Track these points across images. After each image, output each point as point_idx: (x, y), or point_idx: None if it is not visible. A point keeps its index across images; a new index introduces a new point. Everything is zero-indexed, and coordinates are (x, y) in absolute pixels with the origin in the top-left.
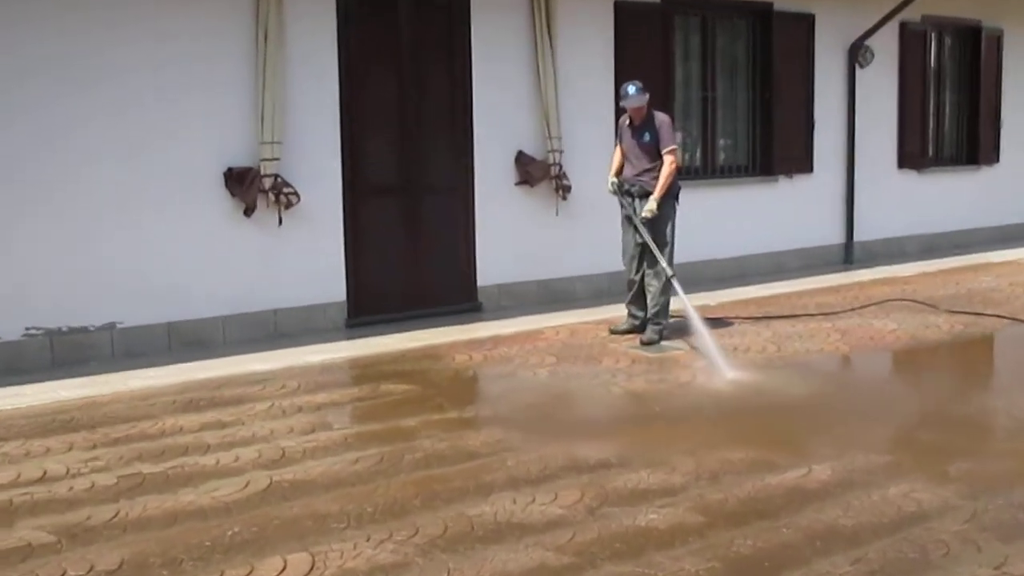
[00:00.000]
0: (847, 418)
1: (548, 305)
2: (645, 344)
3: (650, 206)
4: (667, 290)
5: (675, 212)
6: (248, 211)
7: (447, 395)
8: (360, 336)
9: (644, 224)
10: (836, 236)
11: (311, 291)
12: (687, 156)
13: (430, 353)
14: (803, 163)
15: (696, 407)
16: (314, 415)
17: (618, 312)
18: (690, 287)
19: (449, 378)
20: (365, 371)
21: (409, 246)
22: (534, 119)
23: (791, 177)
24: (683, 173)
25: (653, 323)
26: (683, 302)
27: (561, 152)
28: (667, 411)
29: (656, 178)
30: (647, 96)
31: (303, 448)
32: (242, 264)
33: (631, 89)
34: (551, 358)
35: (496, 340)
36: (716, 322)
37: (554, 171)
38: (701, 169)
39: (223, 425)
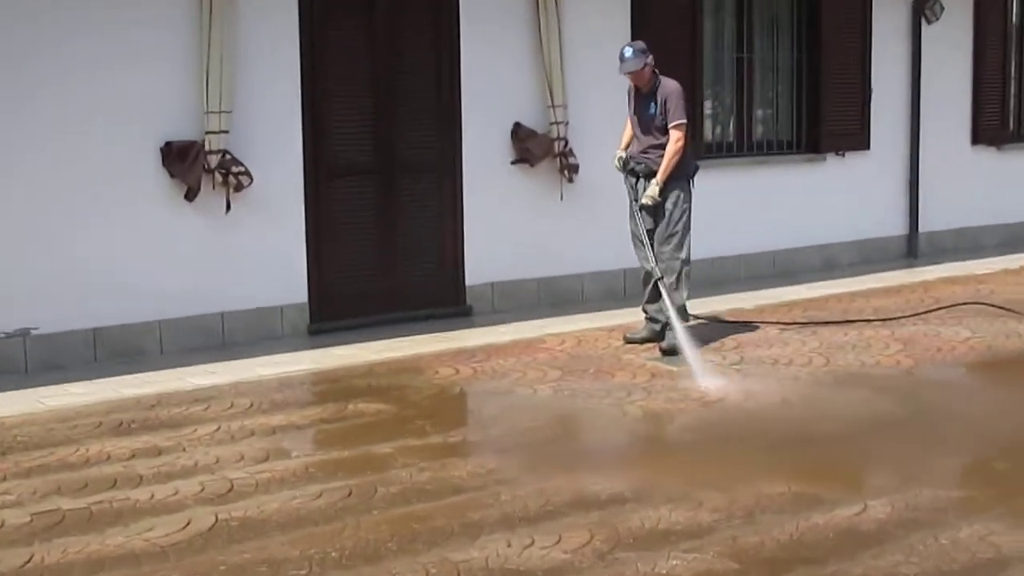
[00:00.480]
0: (909, 445)
1: (551, 308)
2: (665, 353)
3: (651, 191)
4: (682, 285)
5: (689, 197)
6: (190, 194)
7: (429, 416)
8: (325, 345)
9: (646, 211)
10: (897, 226)
11: (266, 291)
12: (717, 130)
13: (409, 366)
14: (857, 138)
15: (728, 431)
16: (269, 440)
17: (635, 316)
18: (721, 288)
19: (431, 396)
20: (330, 387)
21: (384, 237)
22: (534, 85)
23: (842, 155)
24: (713, 150)
25: (670, 325)
26: (665, 303)
27: (567, 124)
28: (692, 435)
29: (682, 165)
30: (648, 59)
31: (255, 480)
32: (183, 258)
33: (627, 52)
34: (554, 372)
35: (488, 350)
36: (746, 328)
37: (558, 147)
38: (734, 145)
39: (159, 452)
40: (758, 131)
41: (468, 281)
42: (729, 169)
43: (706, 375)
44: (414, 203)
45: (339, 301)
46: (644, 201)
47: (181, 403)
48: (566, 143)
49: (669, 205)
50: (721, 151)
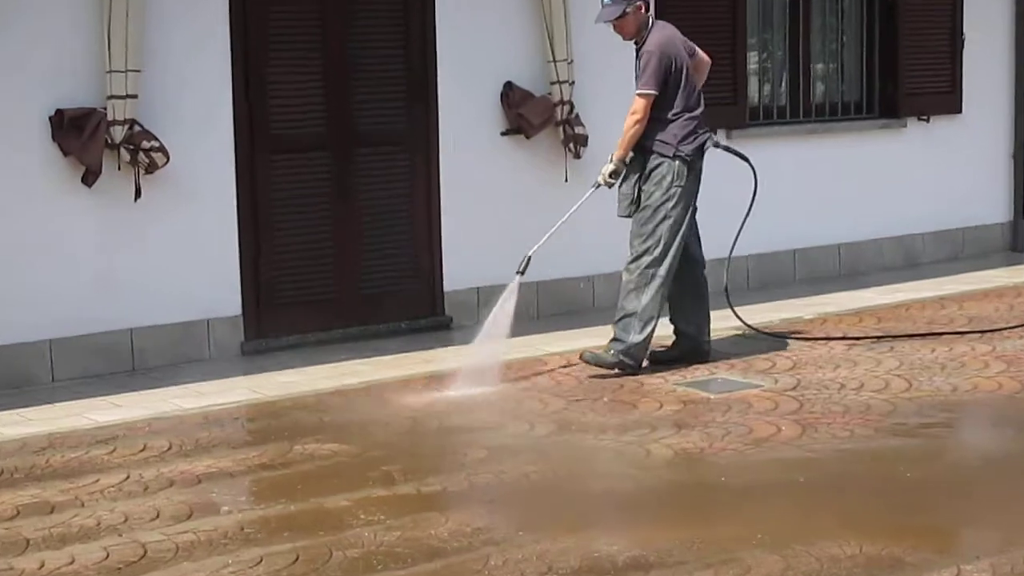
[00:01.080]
0: (1015, 493)
1: (553, 320)
2: (587, 361)
3: (604, 169)
4: (645, 291)
5: (684, 183)
6: (89, 177)
7: (398, 460)
8: (264, 369)
9: (619, 205)
10: (998, 211)
11: (188, 300)
12: (765, 90)
13: (372, 395)
14: (946, 100)
15: (782, 476)
16: (193, 492)
17: (663, 329)
18: (772, 292)
19: (401, 434)
20: (272, 423)
21: (339, 231)
22: (531, 35)
23: (927, 120)
24: (760, 116)
25: (614, 338)
26: (507, 297)
27: (572, 84)
28: (737, 481)
29: (653, 131)
30: (630, 6)
31: (176, 543)
32: (80, 260)
33: None
34: (557, 402)
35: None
36: (804, 344)
37: (561, 113)
38: (788, 109)
39: (51, 508)
40: (818, 91)
41: (447, 286)
42: (780, 140)
43: (474, 382)
44: (377, 187)
45: (282, 313)
46: (597, 179)
47: (79, 445)
48: (571, 108)
49: (650, 186)
50: (770, 117)
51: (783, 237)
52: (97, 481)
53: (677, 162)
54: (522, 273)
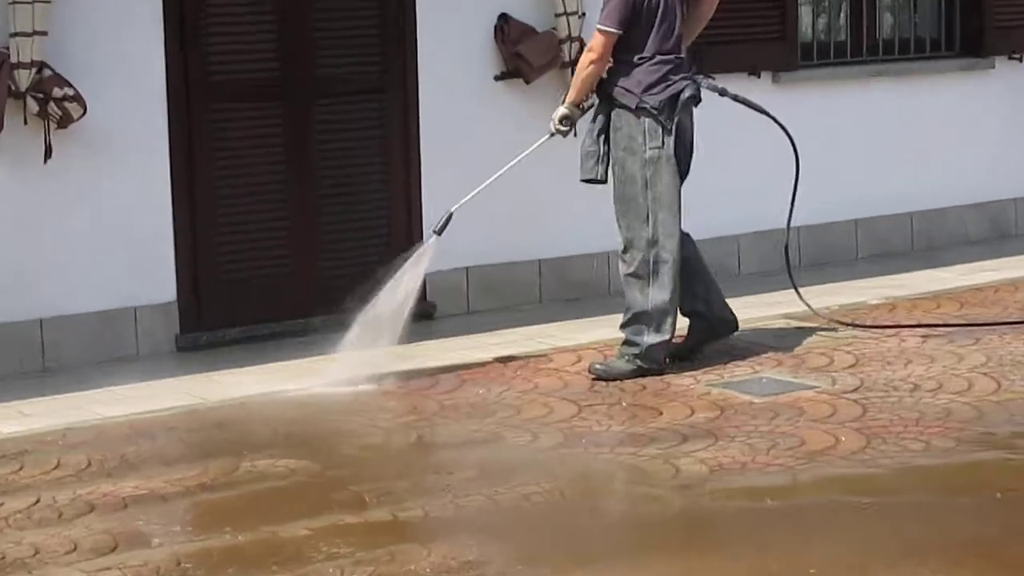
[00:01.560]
0: None
1: (560, 307)
2: (598, 376)
3: (555, 114)
4: (655, 281)
5: (662, 139)
6: None
7: (369, 479)
8: (203, 368)
9: (583, 165)
10: None
11: (110, 284)
12: (820, 23)
13: (338, 400)
14: None
15: (841, 497)
16: (117, 519)
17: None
18: (828, 271)
19: (373, 448)
20: (213, 435)
21: (296, 200)
22: None
23: (1020, 60)
24: (813, 55)
25: (625, 341)
26: (416, 260)
27: (582, 17)
28: (784, 505)
29: (616, 76)
30: None
31: None
32: None
33: None
34: (566, 407)
35: (461, 374)
36: (867, 335)
37: (569, 52)
38: (848, 46)
39: None
40: (885, 24)
41: (429, 266)
42: (839, 85)
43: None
44: (342, 145)
45: (226, 299)
46: (550, 127)
47: None
48: (581, 46)
49: (619, 151)
50: (826, 56)
51: (842, 204)
52: (0, 506)
53: (645, 119)
54: (439, 233)
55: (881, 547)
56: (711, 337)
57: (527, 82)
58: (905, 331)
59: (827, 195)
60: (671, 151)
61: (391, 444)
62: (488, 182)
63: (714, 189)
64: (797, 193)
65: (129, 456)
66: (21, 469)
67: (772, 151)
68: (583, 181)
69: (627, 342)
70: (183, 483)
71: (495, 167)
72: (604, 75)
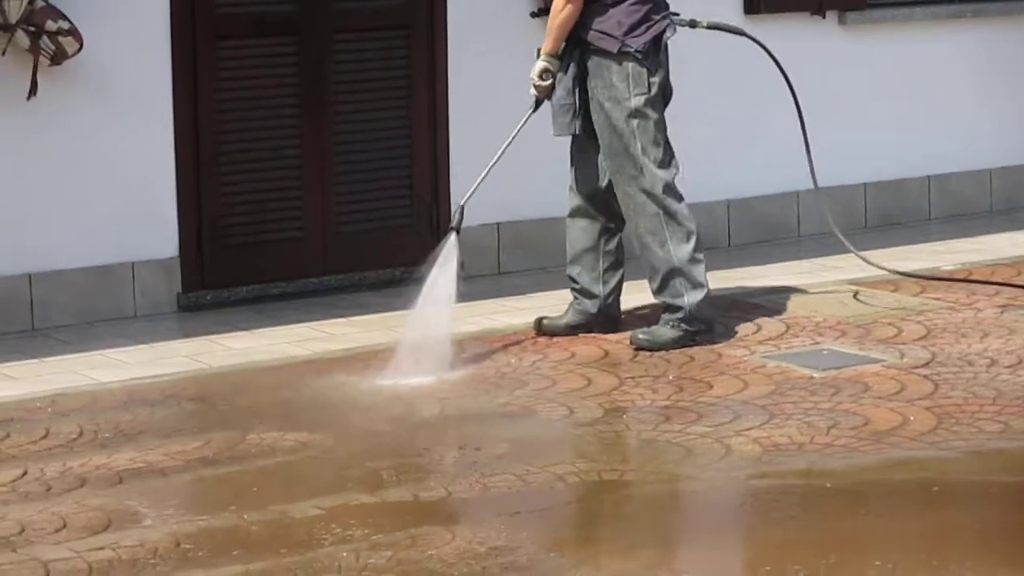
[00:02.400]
0: None
1: None
2: (640, 347)
3: (532, 71)
4: (673, 236)
5: (645, 84)
6: None
7: (388, 455)
8: (207, 331)
9: (555, 121)
10: None
11: (105, 239)
12: None
13: (353, 367)
14: None
15: (908, 482)
16: (111, 495)
17: (742, 277)
18: (896, 233)
19: (392, 420)
20: (217, 404)
21: (311, 147)
22: None
23: None
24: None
25: (666, 307)
26: (443, 260)
27: None
28: (846, 489)
29: (590, 17)
30: None
31: (88, 563)
32: None
33: None
34: (606, 379)
35: (490, 340)
36: (940, 303)
37: None
38: None
39: None
40: None
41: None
42: (912, 27)
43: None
44: (363, 84)
45: (233, 256)
46: (529, 91)
47: None
48: None
49: (602, 100)
50: None
51: (914, 159)
52: None
53: (628, 64)
54: (457, 230)
55: (952, 536)
56: (585, 322)
57: None
58: (982, 300)
59: (897, 149)
60: (656, 96)
61: (412, 417)
62: (487, 171)
63: (769, 144)
64: (808, 142)
65: (124, 426)
66: (7, 438)
67: (839, 101)
68: (558, 135)
69: (668, 307)
70: (183, 456)
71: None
72: (596, 18)
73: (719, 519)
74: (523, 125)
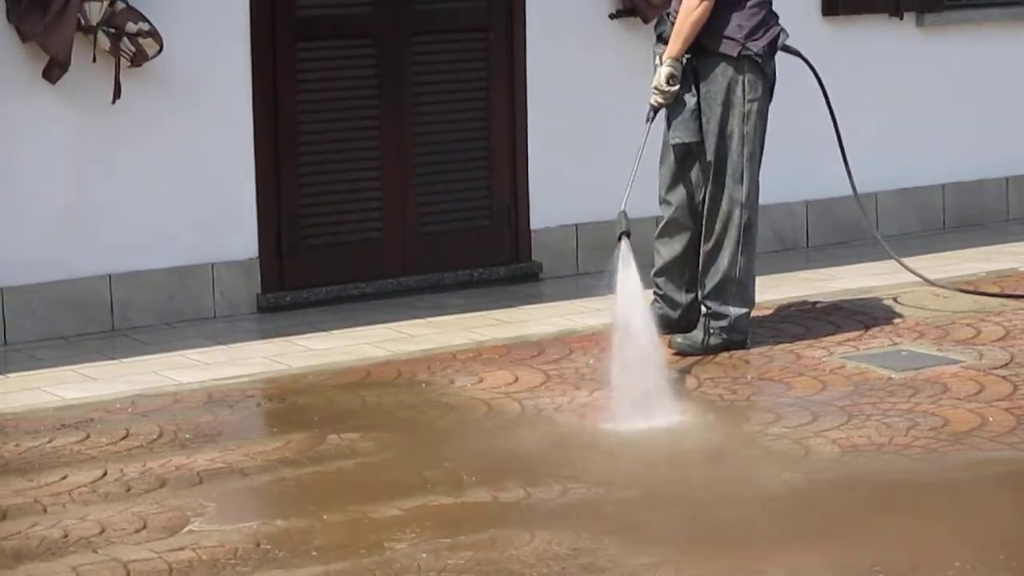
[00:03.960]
0: None
1: None
2: (680, 351)
3: (658, 75)
4: (742, 251)
5: (759, 92)
6: (54, 70)
7: (466, 456)
8: (286, 332)
9: (672, 129)
10: None
11: (185, 240)
12: None
13: (432, 368)
14: None
15: (987, 483)
16: (190, 495)
17: (817, 273)
18: (973, 234)
19: (470, 422)
20: (297, 404)
21: (389, 149)
22: None
23: None
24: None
25: (711, 314)
26: (619, 270)
27: None
28: (930, 493)
29: (710, 21)
30: None
31: (168, 563)
32: (41, 183)
33: None
34: (685, 380)
35: (569, 342)
36: (1020, 304)
37: None
38: None
39: (2, 515)
40: None
41: (535, 222)
42: (991, 28)
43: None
44: (441, 87)
45: (312, 257)
46: (651, 100)
47: (39, 431)
48: None
49: (713, 105)
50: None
51: (993, 159)
52: (64, 479)
53: (746, 66)
54: (628, 234)
55: None
56: (669, 327)
57: (645, 21)
58: None
59: (975, 150)
60: (765, 104)
61: (489, 418)
62: (632, 178)
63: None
64: (847, 154)
65: (204, 426)
66: (87, 439)
67: (917, 103)
68: (678, 143)
69: (714, 314)
70: (263, 457)
71: (609, 115)
72: None
73: (797, 520)
74: (648, 135)
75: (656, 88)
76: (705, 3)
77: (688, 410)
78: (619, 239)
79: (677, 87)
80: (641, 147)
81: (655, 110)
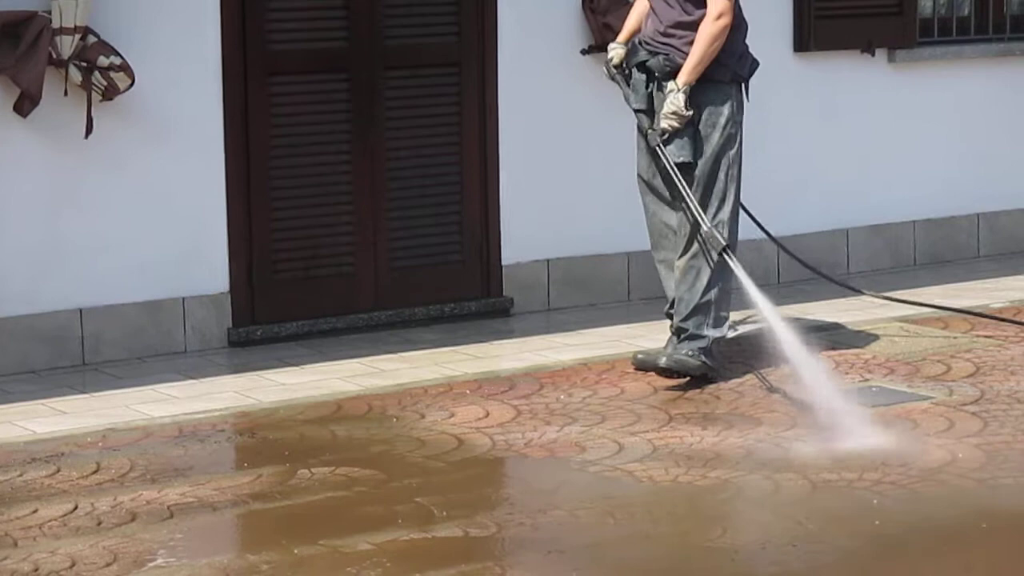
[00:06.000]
0: None
1: (651, 307)
2: (665, 369)
3: (672, 102)
4: (721, 275)
5: (740, 116)
6: (25, 103)
7: (437, 490)
8: (258, 365)
9: (672, 147)
10: None
11: (156, 274)
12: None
13: (404, 403)
14: None
15: (957, 520)
16: (162, 529)
17: (788, 310)
18: (945, 270)
19: (442, 456)
20: (268, 439)
21: (361, 182)
22: None
23: None
24: (934, 30)
25: (688, 336)
26: (745, 287)
27: None
28: (895, 528)
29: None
30: None
31: None
32: (11, 217)
33: None
34: (655, 415)
35: (539, 378)
36: (989, 340)
37: None
38: (972, 22)
39: None
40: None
41: (506, 257)
42: (961, 65)
43: (857, 423)
44: (413, 121)
45: (283, 291)
46: (664, 123)
47: (10, 464)
48: None
49: (706, 128)
50: (948, 33)
51: (963, 197)
52: (35, 512)
53: (734, 91)
54: (728, 248)
55: (1000, 574)
56: None
57: None
58: None
59: (947, 187)
60: (740, 124)
61: (462, 453)
62: (691, 200)
63: (818, 182)
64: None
65: (175, 460)
66: (57, 472)
67: (888, 139)
68: (681, 161)
69: (691, 336)
70: (234, 491)
71: (581, 150)
72: (680, 47)
73: (767, 559)
74: (670, 161)
75: (675, 113)
76: (724, 32)
77: (648, 448)
78: (723, 252)
79: (689, 115)
80: (681, 183)
81: (663, 135)
